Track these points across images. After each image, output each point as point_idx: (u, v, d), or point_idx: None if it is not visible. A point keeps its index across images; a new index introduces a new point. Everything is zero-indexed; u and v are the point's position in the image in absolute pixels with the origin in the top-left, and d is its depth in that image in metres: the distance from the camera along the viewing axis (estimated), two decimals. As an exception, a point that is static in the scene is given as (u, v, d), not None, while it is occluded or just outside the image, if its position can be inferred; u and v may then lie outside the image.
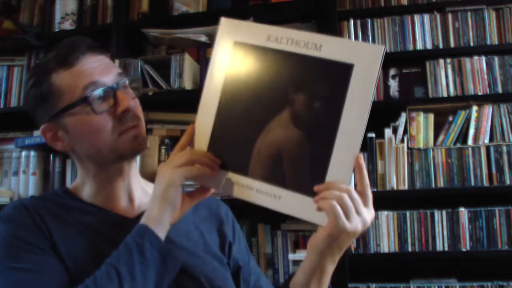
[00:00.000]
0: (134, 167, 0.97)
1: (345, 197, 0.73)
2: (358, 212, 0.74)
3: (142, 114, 0.93)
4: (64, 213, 0.89)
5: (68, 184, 2.24)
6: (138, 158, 1.01)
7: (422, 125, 2.03)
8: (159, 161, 2.11)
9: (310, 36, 0.77)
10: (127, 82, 0.93)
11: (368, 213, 0.75)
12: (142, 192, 0.98)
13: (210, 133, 0.82)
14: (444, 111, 2.04)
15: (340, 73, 0.75)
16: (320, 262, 0.80)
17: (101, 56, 0.92)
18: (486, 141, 1.99)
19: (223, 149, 0.81)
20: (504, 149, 1.95)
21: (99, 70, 0.89)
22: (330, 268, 0.82)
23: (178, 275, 0.81)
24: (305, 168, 0.76)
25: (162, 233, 0.80)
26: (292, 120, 0.77)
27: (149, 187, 1.01)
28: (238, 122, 0.81)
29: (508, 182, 1.93)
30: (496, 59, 2.05)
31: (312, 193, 0.75)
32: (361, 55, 0.74)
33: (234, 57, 0.81)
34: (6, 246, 0.81)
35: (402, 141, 2.02)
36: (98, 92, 0.87)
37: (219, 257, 0.96)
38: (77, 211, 0.90)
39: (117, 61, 2.11)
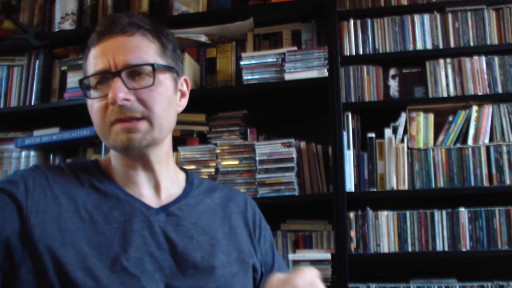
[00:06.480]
0: (160, 156, 0.90)
1: None
2: None
3: (153, 104, 0.84)
4: (75, 188, 0.84)
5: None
6: (167, 145, 0.93)
7: (422, 125, 2.03)
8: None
9: None
10: (138, 69, 0.84)
11: None
12: (170, 183, 0.93)
13: None
14: (444, 111, 2.04)
15: None
16: None
17: (131, 38, 0.85)
18: (486, 141, 1.99)
19: None
20: (504, 149, 1.95)
21: (113, 53, 0.83)
22: None
23: None
24: None
25: None
26: None
27: (177, 174, 0.97)
28: None
29: (508, 182, 1.93)
30: (496, 59, 2.05)
31: None
32: None
33: None
34: None
35: (402, 141, 2.02)
36: (90, 80, 0.85)
37: (241, 261, 0.92)
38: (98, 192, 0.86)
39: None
